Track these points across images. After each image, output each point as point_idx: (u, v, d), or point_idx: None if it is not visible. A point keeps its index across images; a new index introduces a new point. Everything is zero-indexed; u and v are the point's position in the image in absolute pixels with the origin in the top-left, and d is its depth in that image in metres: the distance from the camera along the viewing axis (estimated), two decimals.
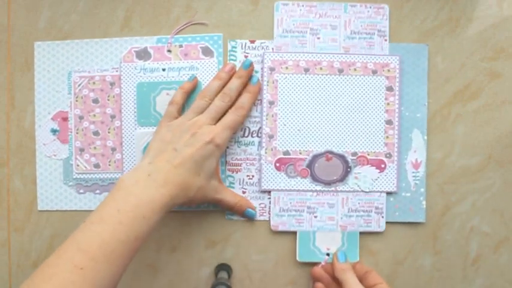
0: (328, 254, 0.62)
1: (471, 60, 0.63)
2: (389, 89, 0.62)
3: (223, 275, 0.61)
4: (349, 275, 0.57)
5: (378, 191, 0.62)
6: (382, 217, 0.63)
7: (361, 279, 0.59)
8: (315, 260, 0.62)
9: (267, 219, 0.63)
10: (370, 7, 0.62)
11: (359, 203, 0.63)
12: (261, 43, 0.63)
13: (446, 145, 0.63)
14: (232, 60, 0.63)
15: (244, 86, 0.61)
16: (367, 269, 0.60)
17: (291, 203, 0.63)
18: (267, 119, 0.62)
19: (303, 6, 0.63)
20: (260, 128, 0.63)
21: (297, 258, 0.62)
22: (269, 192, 0.63)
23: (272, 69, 0.62)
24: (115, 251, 0.47)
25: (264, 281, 0.64)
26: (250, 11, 0.63)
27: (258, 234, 0.64)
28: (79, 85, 0.64)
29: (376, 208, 0.63)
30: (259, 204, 0.63)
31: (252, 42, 0.63)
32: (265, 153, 0.62)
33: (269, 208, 0.63)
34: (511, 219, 0.63)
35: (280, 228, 0.63)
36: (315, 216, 0.63)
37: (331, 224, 0.63)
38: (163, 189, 0.52)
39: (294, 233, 0.63)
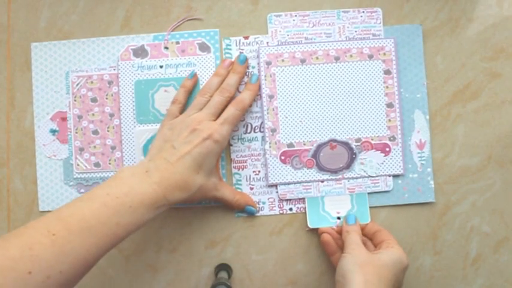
0: (339, 218, 0.60)
1: (471, 60, 0.61)
2: (387, 72, 0.60)
3: (223, 275, 0.59)
4: (351, 236, 0.55)
5: (384, 175, 0.60)
6: (389, 176, 0.60)
7: (371, 238, 0.58)
8: (326, 226, 0.60)
9: (277, 213, 0.61)
10: (363, 12, 0.61)
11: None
12: (255, 38, 0.61)
13: (446, 145, 0.61)
14: (228, 58, 0.61)
15: (242, 80, 0.59)
16: (378, 227, 0.58)
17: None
18: (268, 113, 0.60)
19: (296, 16, 0.61)
20: (262, 122, 0.61)
21: (308, 225, 0.60)
22: (276, 186, 0.61)
23: (268, 63, 0.60)
24: (92, 228, 0.46)
25: (264, 281, 0.61)
26: (250, 11, 0.61)
27: (258, 234, 0.61)
28: (77, 85, 0.62)
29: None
30: (268, 198, 0.61)
31: (246, 38, 0.61)
32: (270, 147, 0.60)
33: (278, 203, 0.61)
34: (511, 219, 0.61)
35: (288, 196, 0.60)
36: (322, 181, 0.60)
37: (339, 188, 0.60)
38: (157, 186, 0.50)
39: (298, 223, 0.61)
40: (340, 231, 0.58)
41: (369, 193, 0.60)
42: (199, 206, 0.61)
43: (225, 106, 0.57)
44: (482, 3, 0.61)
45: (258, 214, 0.61)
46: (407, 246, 0.60)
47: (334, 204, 0.60)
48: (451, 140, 0.61)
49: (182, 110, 0.58)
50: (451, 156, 0.61)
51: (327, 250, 0.59)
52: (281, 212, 0.60)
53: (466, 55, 0.61)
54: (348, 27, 0.60)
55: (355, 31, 0.60)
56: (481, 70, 0.60)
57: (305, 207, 0.60)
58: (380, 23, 0.60)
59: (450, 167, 0.61)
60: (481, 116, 0.61)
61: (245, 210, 0.60)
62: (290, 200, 0.60)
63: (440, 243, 0.61)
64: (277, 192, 0.60)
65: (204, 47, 0.61)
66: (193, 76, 0.59)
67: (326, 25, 0.60)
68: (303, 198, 0.60)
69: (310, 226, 0.60)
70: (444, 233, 0.61)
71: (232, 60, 0.59)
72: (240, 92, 0.59)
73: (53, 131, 0.61)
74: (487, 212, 0.61)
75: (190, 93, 0.59)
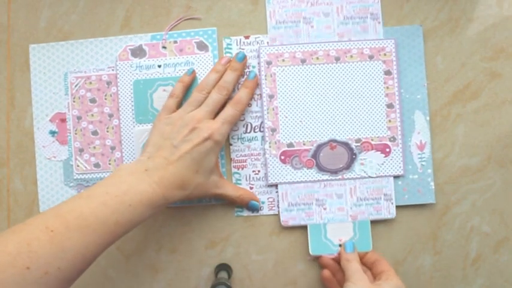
0: (341, 246, 0.58)
1: (471, 60, 0.60)
2: (388, 72, 0.59)
3: (223, 275, 0.58)
4: (352, 264, 0.54)
5: (385, 176, 0.59)
6: (392, 203, 0.59)
7: (370, 267, 0.57)
8: (328, 253, 0.59)
9: (276, 213, 0.60)
10: None
11: (367, 191, 0.59)
12: (256, 38, 0.60)
13: (446, 145, 0.60)
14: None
15: (239, 78, 0.58)
16: (378, 257, 0.57)
17: (299, 196, 0.59)
18: (268, 113, 0.59)
19: None
20: (262, 122, 0.59)
21: (310, 252, 0.59)
22: (276, 186, 0.59)
23: (269, 63, 0.59)
24: (91, 226, 0.45)
25: (264, 281, 0.60)
26: (250, 11, 0.60)
27: (258, 234, 0.60)
28: (76, 86, 0.60)
29: (385, 195, 0.59)
30: (268, 198, 0.59)
31: (247, 37, 0.60)
32: (269, 147, 0.59)
33: (277, 202, 0.59)
34: (511, 219, 0.60)
35: (291, 223, 0.59)
36: (324, 208, 0.59)
37: (342, 215, 0.59)
38: (156, 186, 0.50)
39: (298, 228, 0.60)
40: (338, 260, 0.57)
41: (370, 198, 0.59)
42: (199, 206, 0.60)
43: (223, 104, 0.56)
44: (482, 3, 0.59)
45: (257, 214, 0.59)
46: (407, 247, 0.59)
47: (336, 232, 0.58)
48: (451, 140, 0.59)
49: (179, 105, 0.57)
50: (451, 156, 0.59)
51: (326, 286, 0.58)
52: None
53: (466, 55, 0.59)
54: (345, 6, 0.59)
55: (353, 10, 0.59)
56: (481, 70, 0.59)
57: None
58: (378, 2, 0.59)
59: (450, 167, 0.59)
60: (481, 116, 0.59)
61: (249, 206, 0.58)
62: (292, 226, 0.59)
63: (440, 243, 0.59)
64: (276, 192, 0.59)
65: (202, 46, 0.59)
66: (192, 73, 0.58)
67: (324, 4, 0.59)
68: (300, 193, 0.59)
69: (312, 253, 0.58)
70: (444, 233, 0.59)
71: (231, 58, 0.58)
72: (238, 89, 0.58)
73: (53, 133, 0.60)
74: (487, 212, 0.59)
75: (187, 89, 0.58)
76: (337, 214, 0.59)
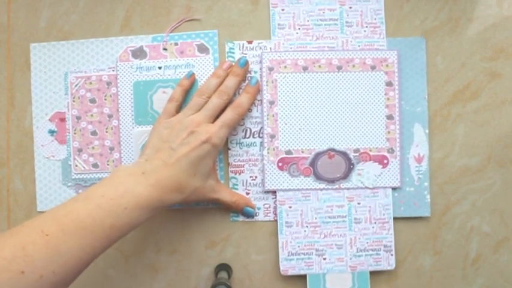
0: None
1: (471, 60, 0.59)
2: (389, 84, 0.58)
3: (223, 275, 0.58)
4: None
5: (381, 187, 0.58)
6: (392, 255, 0.59)
7: None
8: None
9: (272, 219, 0.59)
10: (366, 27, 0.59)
11: (367, 242, 0.58)
12: (259, 43, 0.59)
13: (446, 145, 0.59)
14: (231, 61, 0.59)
15: (241, 83, 0.58)
16: None
17: (299, 246, 0.58)
18: (267, 119, 0.58)
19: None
20: (261, 128, 0.59)
21: None
22: (273, 192, 0.59)
23: (271, 69, 0.58)
24: (87, 228, 0.45)
25: (264, 281, 0.60)
26: (250, 11, 0.60)
27: (258, 234, 0.60)
28: (76, 85, 0.60)
29: (385, 246, 0.58)
30: (264, 204, 0.59)
31: (250, 42, 0.59)
32: (268, 153, 0.58)
33: (273, 209, 0.59)
34: (511, 219, 0.60)
35: (290, 272, 0.58)
36: (324, 259, 0.59)
37: (341, 265, 0.58)
38: (153, 188, 0.49)
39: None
40: None
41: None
42: (197, 209, 0.59)
43: (223, 109, 0.55)
44: (482, 3, 0.59)
45: (252, 220, 0.59)
46: (407, 247, 0.59)
47: (335, 282, 0.58)
48: (451, 140, 0.59)
49: (179, 109, 0.57)
50: (451, 156, 0.59)
51: None
52: (275, 218, 0.59)
53: (466, 55, 0.59)
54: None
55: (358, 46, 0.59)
56: (481, 70, 0.59)
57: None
58: (383, 38, 0.58)
59: (450, 167, 0.59)
60: (481, 116, 0.59)
61: (244, 212, 0.58)
62: (292, 275, 0.58)
63: (440, 243, 0.59)
64: (273, 198, 0.58)
65: (202, 49, 0.59)
66: (191, 76, 0.58)
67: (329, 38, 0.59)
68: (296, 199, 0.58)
69: None
70: (444, 233, 0.59)
71: (232, 63, 0.58)
72: (239, 94, 0.58)
73: (52, 132, 0.60)
74: (487, 212, 0.59)
75: (187, 93, 0.58)
76: (336, 264, 0.58)
